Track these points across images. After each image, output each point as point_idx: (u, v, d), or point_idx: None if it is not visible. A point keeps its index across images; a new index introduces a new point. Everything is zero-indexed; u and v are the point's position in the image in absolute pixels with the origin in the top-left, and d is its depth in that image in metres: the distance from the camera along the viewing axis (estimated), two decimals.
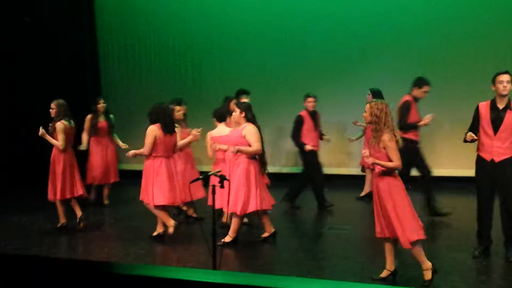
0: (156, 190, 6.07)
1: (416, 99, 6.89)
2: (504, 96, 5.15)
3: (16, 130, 9.58)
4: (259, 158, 5.99)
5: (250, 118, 5.93)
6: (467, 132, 5.33)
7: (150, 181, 6.10)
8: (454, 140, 8.73)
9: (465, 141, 5.32)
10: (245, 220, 6.53)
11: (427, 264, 4.69)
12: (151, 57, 10.84)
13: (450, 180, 8.82)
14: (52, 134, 6.68)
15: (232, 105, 6.82)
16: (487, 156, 5.24)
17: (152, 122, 6.13)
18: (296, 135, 7.57)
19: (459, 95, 8.85)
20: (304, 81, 9.42)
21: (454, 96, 8.95)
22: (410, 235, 4.54)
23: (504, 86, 5.11)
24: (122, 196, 8.58)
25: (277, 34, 9.86)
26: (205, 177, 4.80)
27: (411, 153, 6.56)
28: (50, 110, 6.76)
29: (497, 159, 5.19)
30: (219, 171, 4.99)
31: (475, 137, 5.26)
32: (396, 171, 4.62)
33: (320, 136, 7.86)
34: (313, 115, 7.62)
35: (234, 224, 6.00)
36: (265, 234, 6.15)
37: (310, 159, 7.61)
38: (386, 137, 4.55)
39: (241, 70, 10.10)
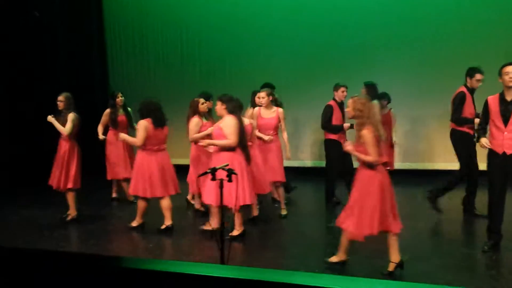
0: (147, 185, 6.23)
1: (470, 90, 6.58)
2: (511, 87, 5.10)
3: (17, 129, 9.60)
4: (241, 150, 5.88)
5: (231, 109, 5.87)
6: (479, 133, 5.32)
7: (140, 175, 6.26)
8: None
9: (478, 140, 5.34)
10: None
11: (394, 258, 4.84)
12: (159, 52, 10.86)
13: None
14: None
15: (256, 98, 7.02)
16: (498, 149, 5.20)
17: (143, 117, 6.24)
18: (327, 123, 7.36)
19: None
20: (308, 77, 9.45)
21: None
22: (364, 229, 4.65)
23: (510, 78, 5.08)
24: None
25: (284, 29, 9.85)
26: (212, 171, 4.79)
27: (468, 146, 6.48)
28: (58, 103, 6.81)
29: (508, 152, 5.15)
30: (227, 165, 4.98)
31: (488, 146, 5.24)
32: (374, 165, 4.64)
33: None
34: (341, 106, 7.38)
35: (237, 218, 5.99)
36: (234, 232, 6.02)
37: (333, 151, 7.39)
38: (365, 131, 4.59)
39: (249, 64, 10.11)
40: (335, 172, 7.51)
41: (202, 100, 6.87)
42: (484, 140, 5.26)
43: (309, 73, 9.65)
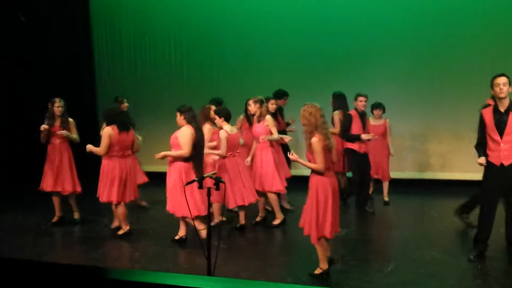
0: (106, 190, 6.31)
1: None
2: (502, 98, 5.11)
3: (15, 130, 9.59)
4: (192, 162, 5.98)
5: (189, 119, 6.01)
6: (479, 151, 5.33)
7: (103, 181, 6.37)
8: (454, 144, 8.93)
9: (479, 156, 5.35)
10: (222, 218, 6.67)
11: (324, 264, 5.00)
12: (147, 56, 10.85)
13: (449, 184, 8.91)
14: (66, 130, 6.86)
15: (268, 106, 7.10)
16: (496, 161, 5.21)
17: (108, 124, 6.31)
18: (345, 132, 7.28)
19: (457, 98, 8.89)
20: (302, 86, 9.41)
21: (452, 99, 8.98)
22: (318, 231, 4.82)
23: (500, 89, 5.08)
24: None
25: (276, 37, 9.88)
26: (200, 179, 4.76)
27: None
28: (56, 108, 6.84)
29: (506, 163, 5.16)
30: (215, 173, 4.96)
31: (484, 164, 5.27)
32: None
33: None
34: (363, 115, 7.33)
35: (182, 225, 6.23)
36: (177, 237, 6.27)
37: (357, 161, 7.36)
38: (314, 140, 4.72)
39: (239, 70, 10.14)
40: (358, 180, 7.37)
41: (213, 106, 6.86)
42: (481, 160, 5.28)
43: (303, 81, 9.59)
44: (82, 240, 6.60)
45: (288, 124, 7.90)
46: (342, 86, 8.32)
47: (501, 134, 5.15)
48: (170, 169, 6.01)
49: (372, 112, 7.66)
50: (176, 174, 5.93)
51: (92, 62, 11.06)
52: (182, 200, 5.54)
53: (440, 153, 9.18)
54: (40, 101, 7.14)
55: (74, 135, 6.97)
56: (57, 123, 6.90)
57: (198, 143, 5.97)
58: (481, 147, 5.35)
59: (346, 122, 7.32)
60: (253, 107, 6.83)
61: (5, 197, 8.86)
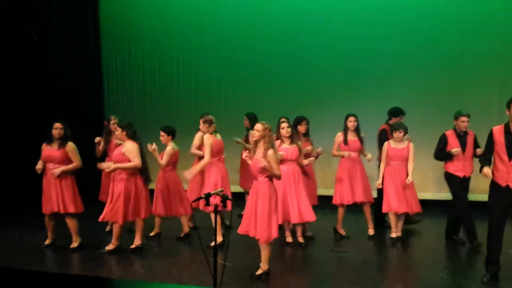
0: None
1: None
2: None
3: (23, 147, 9.64)
4: (141, 173, 6.43)
5: (131, 135, 6.36)
6: (483, 162, 5.27)
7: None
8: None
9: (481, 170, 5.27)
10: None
11: (265, 266, 5.55)
12: (155, 71, 10.87)
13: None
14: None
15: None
16: (502, 182, 5.15)
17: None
18: (437, 152, 6.77)
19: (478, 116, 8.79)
20: (310, 103, 9.38)
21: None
22: (272, 233, 5.34)
23: None
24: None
25: (285, 53, 9.90)
26: (206, 196, 4.73)
27: None
28: (112, 125, 7.12)
29: None
30: (222, 190, 4.91)
31: (490, 176, 5.22)
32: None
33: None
34: (462, 136, 6.65)
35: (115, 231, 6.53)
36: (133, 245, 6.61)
37: (452, 184, 6.73)
38: (270, 152, 5.28)
39: (248, 85, 10.17)
40: (463, 205, 6.65)
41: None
42: (486, 170, 5.20)
43: (311, 99, 9.56)
44: (87, 257, 6.53)
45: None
46: (359, 103, 8.31)
47: (510, 155, 5.11)
48: (114, 184, 6.39)
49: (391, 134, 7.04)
50: (122, 189, 6.31)
51: (101, 77, 11.11)
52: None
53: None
54: (50, 118, 7.10)
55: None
56: (114, 140, 7.15)
57: (144, 156, 6.41)
58: (486, 160, 5.28)
59: (440, 142, 6.74)
60: (201, 126, 6.86)
61: (12, 214, 8.87)
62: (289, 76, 9.90)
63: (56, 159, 6.56)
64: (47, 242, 6.97)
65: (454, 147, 6.56)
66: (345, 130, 7.10)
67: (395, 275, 5.83)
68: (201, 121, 6.86)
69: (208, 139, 6.60)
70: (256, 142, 5.45)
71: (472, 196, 7.09)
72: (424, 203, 7.35)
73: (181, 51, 10.63)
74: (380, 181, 6.91)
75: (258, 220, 5.35)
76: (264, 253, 5.50)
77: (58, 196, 6.60)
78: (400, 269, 6.09)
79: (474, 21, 8.94)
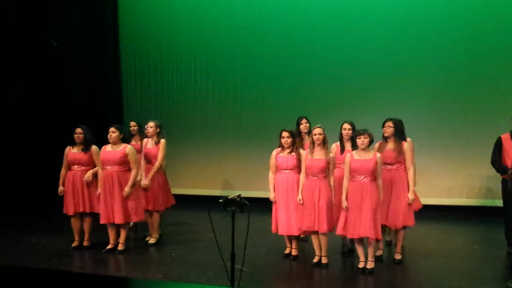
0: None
1: None
2: None
3: (41, 153, 9.79)
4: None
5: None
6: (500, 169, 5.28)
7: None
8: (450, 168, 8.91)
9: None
10: None
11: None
12: (173, 78, 11.00)
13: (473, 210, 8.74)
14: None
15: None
16: None
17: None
18: (494, 159, 6.27)
19: (484, 122, 8.84)
20: (319, 110, 9.40)
21: (478, 124, 8.95)
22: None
23: None
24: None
25: (303, 58, 9.98)
26: (224, 201, 4.75)
27: None
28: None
29: None
30: (239, 195, 4.93)
31: None
32: None
33: None
34: None
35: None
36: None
37: (506, 193, 6.15)
38: (331, 154, 5.95)
39: (264, 90, 10.27)
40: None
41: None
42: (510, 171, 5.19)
43: (321, 106, 9.62)
44: (104, 262, 6.60)
45: None
46: (366, 110, 8.32)
47: None
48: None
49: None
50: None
51: (120, 85, 11.26)
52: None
53: (466, 178, 9.07)
54: (68, 124, 7.26)
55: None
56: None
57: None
58: (503, 166, 5.26)
59: (494, 147, 6.16)
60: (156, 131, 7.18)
61: (31, 219, 8.99)
62: (306, 81, 9.98)
63: (83, 162, 6.91)
64: (74, 244, 7.09)
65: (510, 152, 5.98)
66: (340, 139, 6.51)
67: (413, 281, 5.79)
68: (157, 126, 7.16)
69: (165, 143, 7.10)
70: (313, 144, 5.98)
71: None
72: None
73: (198, 54, 10.72)
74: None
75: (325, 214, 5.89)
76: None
77: (84, 196, 6.87)
78: (417, 275, 6.04)
79: (481, 23, 8.98)
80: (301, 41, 9.93)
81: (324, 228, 6.00)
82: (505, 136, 6.17)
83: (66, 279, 4.87)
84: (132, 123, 7.95)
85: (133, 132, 7.81)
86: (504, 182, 5.39)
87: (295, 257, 6.49)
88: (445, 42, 9.13)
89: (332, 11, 9.75)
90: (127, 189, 6.57)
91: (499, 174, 5.63)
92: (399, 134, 6.12)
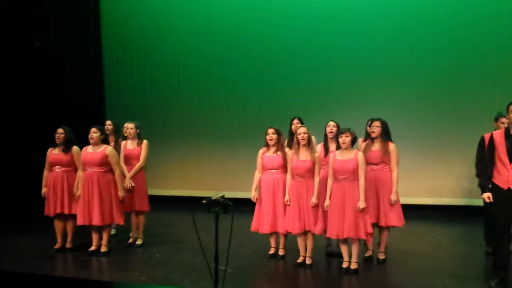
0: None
1: None
2: None
3: (24, 154, 9.67)
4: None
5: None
6: (483, 184, 5.29)
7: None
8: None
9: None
10: None
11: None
12: (156, 80, 10.98)
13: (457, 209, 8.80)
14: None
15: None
16: (503, 185, 5.18)
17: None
18: (479, 162, 5.88)
19: (468, 121, 8.96)
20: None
21: (463, 123, 9.07)
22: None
23: None
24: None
25: (286, 60, 10.02)
26: (208, 202, 4.71)
27: None
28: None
29: None
30: (223, 196, 4.90)
31: (491, 200, 5.25)
32: None
33: None
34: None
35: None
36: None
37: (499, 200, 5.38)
38: (316, 153, 5.92)
39: (247, 94, 10.29)
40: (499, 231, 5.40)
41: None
42: (486, 195, 5.28)
43: (312, 108, 9.49)
44: (87, 265, 6.53)
45: None
46: (351, 111, 8.34)
47: (510, 158, 5.15)
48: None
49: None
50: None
51: (103, 86, 11.19)
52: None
53: (449, 178, 9.14)
54: (48, 126, 7.17)
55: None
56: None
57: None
58: (485, 178, 5.29)
59: (479, 146, 5.84)
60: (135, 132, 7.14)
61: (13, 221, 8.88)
62: (290, 81, 10.00)
63: (64, 162, 6.82)
64: (57, 246, 7.00)
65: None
66: (325, 139, 6.41)
67: (397, 281, 5.80)
68: (137, 127, 7.13)
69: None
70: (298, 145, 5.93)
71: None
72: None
73: (182, 57, 10.70)
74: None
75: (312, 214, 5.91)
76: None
77: (65, 198, 6.78)
78: (401, 275, 6.05)
79: (476, 23, 9.09)
80: (287, 41, 9.98)
81: (313, 228, 6.02)
82: (488, 136, 6.05)
83: (49, 284, 4.82)
84: (108, 122, 7.63)
85: (107, 132, 7.31)
86: (492, 189, 5.39)
87: (283, 256, 6.48)
88: (431, 43, 9.25)
89: (318, 12, 9.80)
90: (120, 193, 6.56)
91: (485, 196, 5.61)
92: (386, 134, 6.13)
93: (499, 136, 5.26)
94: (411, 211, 8.30)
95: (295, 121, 6.87)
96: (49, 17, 10.56)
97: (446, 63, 9.19)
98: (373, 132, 6.10)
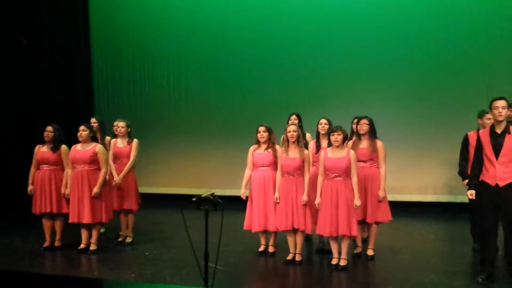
0: None
1: None
2: (500, 121, 5.19)
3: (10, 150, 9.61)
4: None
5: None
6: (471, 182, 5.36)
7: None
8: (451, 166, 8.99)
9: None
10: None
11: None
12: (145, 77, 10.94)
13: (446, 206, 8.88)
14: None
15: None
16: (491, 181, 5.24)
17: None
18: (462, 161, 6.40)
19: (456, 119, 8.99)
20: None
21: (451, 121, 9.12)
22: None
23: (499, 112, 5.16)
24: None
25: (277, 57, 10.03)
26: (198, 199, 4.72)
27: None
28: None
29: (501, 184, 5.18)
30: (213, 193, 4.91)
31: (474, 197, 5.36)
32: None
33: None
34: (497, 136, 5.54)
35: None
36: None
37: (486, 197, 5.37)
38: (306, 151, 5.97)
39: (237, 91, 10.28)
40: (486, 227, 5.37)
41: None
42: (469, 192, 5.40)
43: (303, 104, 9.42)
44: (77, 263, 6.51)
45: None
46: (341, 107, 8.38)
47: (496, 155, 5.21)
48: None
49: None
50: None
51: (91, 83, 11.13)
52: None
53: (437, 176, 9.22)
54: (37, 123, 7.11)
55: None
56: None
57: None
58: (469, 176, 5.38)
59: (463, 146, 6.22)
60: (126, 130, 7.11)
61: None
62: (281, 79, 10.01)
63: (51, 161, 6.76)
64: (45, 244, 6.97)
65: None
66: (317, 136, 6.53)
67: (384, 277, 5.85)
68: (128, 126, 7.09)
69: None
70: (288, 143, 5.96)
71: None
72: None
73: (171, 54, 10.68)
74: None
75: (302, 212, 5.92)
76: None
77: (52, 197, 6.73)
78: (389, 271, 6.11)
79: (463, 21, 9.15)
80: (280, 38, 9.98)
81: (302, 226, 6.05)
82: (471, 134, 6.34)
83: (38, 282, 4.80)
84: (92, 120, 7.50)
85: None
86: (481, 186, 5.48)
87: (272, 253, 6.51)
88: (418, 43, 9.32)
89: (305, 11, 9.82)
90: (96, 189, 6.48)
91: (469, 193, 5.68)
92: (373, 132, 6.19)
93: (484, 134, 5.34)
94: (398, 208, 8.41)
95: (293, 117, 6.91)
96: (38, 13, 10.45)
97: (432, 62, 9.25)
98: (362, 129, 6.16)
